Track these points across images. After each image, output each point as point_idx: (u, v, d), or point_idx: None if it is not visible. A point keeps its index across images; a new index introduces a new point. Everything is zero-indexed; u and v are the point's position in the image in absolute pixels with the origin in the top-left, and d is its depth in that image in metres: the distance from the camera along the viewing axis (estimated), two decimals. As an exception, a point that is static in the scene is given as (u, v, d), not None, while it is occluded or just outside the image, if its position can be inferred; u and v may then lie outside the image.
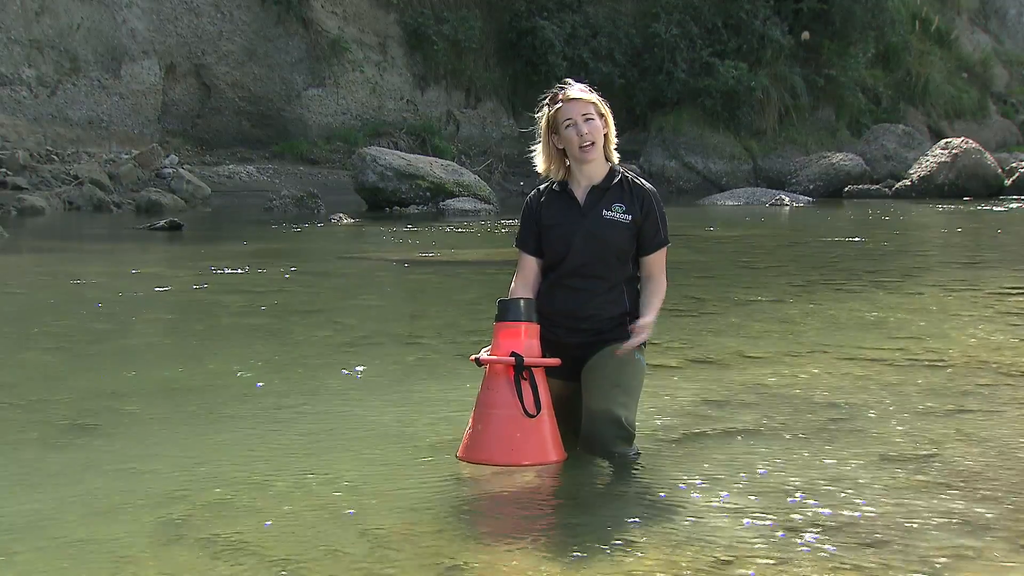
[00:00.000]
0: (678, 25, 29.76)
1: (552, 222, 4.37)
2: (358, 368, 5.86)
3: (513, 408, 4.07)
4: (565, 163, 4.42)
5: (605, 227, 4.29)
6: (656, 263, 4.38)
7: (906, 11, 34.96)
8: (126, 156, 22.57)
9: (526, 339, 4.15)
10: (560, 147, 4.37)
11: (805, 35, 31.08)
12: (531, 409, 4.05)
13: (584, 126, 4.26)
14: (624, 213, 4.30)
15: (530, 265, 4.46)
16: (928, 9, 36.38)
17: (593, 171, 4.35)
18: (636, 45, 29.63)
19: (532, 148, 4.49)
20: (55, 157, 21.81)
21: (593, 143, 4.28)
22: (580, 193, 4.36)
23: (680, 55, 29.53)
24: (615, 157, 4.43)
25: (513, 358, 4.08)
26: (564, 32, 28.49)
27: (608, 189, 4.34)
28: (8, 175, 19.92)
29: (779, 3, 30.99)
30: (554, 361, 4.17)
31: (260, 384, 5.68)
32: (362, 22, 27.36)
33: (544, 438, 4.13)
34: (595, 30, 29.44)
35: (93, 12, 23.56)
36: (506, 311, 4.18)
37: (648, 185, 4.44)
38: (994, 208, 20.84)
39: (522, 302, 4.19)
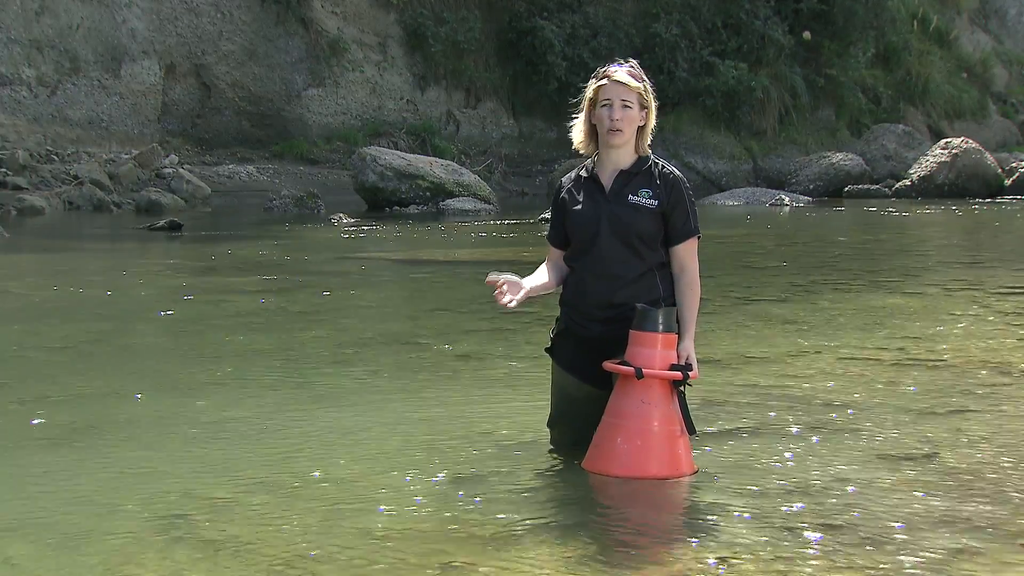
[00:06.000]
0: (678, 25, 29.74)
1: (577, 205, 4.27)
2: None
3: (674, 424, 4.02)
4: (597, 141, 4.29)
5: (630, 211, 4.18)
6: (687, 254, 4.23)
7: (906, 11, 34.93)
8: (126, 156, 22.55)
9: (662, 350, 4.02)
10: (595, 123, 4.26)
11: (806, 35, 31.02)
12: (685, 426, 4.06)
13: (618, 111, 4.16)
14: (650, 199, 4.19)
15: (558, 256, 4.39)
16: (928, 9, 36.34)
17: (619, 157, 4.25)
18: (636, 45, 29.56)
19: (573, 118, 4.35)
20: (55, 157, 21.79)
21: (621, 131, 4.17)
22: (606, 177, 4.26)
23: (680, 55, 29.50)
24: (647, 151, 4.30)
25: (679, 372, 4.01)
26: (564, 32, 28.47)
27: (636, 174, 4.24)
28: (8, 175, 19.91)
29: (779, 3, 30.96)
30: (694, 373, 4.10)
31: (257, 384, 5.68)
32: (362, 22, 27.34)
33: (679, 450, 4.08)
34: (595, 30, 29.41)
35: (93, 12, 23.53)
36: (644, 320, 4.02)
37: (678, 173, 4.34)
38: (993, 208, 20.83)
39: (661, 312, 4.02)
